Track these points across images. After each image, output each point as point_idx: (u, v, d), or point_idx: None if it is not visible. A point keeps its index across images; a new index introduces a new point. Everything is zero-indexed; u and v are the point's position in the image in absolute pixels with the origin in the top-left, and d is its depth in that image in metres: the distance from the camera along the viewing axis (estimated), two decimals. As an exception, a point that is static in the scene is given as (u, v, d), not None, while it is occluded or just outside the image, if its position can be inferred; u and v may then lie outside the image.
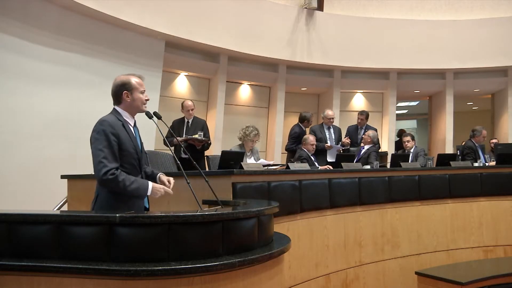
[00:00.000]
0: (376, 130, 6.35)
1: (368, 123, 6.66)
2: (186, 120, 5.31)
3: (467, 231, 4.42)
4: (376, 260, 3.83)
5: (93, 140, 2.31)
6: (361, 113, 6.62)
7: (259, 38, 7.57)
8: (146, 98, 2.49)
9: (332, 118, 6.17)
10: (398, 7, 8.66)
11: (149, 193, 2.38)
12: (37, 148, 5.17)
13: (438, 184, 4.33)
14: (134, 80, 2.47)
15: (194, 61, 7.38)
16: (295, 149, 5.91)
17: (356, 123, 6.67)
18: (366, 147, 5.71)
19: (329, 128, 6.19)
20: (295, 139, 6.17)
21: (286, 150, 6.52)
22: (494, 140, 8.17)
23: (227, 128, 7.59)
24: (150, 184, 2.40)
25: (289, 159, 5.83)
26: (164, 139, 2.68)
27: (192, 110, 5.29)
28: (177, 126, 5.26)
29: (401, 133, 8.92)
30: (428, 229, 4.22)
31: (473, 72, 8.78)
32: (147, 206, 2.56)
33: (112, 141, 2.30)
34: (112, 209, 2.33)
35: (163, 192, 2.42)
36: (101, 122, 2.34)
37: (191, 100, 5.50)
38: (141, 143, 2.55)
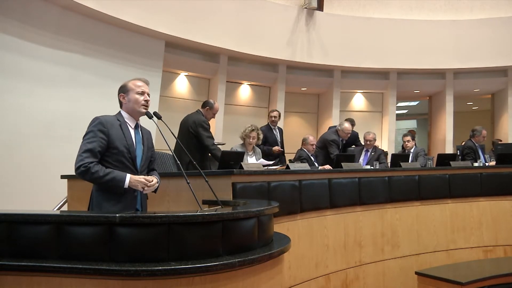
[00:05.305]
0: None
1: (368, 123, 6.62)
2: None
3: (467, 231, 4.42)
4: (376, 260, 3.82)
5: (84, 136, 2.37)
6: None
7: (259, 38, 7.57)
8: (145, 99, 2.48)
9: (349, 133, 5.77)
10: (398, 7, 8.66)
11: (126, 183, 2.29)
12: (37, 148, 5.17)
13: (438, 184, 4.33)
14: (131, 82, 2.49)
15: (194, 61, 7.38)
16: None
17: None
18: (370, 148, 5.71)
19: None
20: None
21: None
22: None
23: (227, 128, 7.59)
24: (128, 175, 2.32)
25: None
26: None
27: None
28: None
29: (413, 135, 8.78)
30: (428, 229, 4.22)
31: (473, 72, 8.78)
32: (140, 209, 2.52)
33: (98, 137, 2.32)
34: (101, 209, 2.34)
35: (143, 181, 2.32)
36: (93, 120, 2.40)
37: None
38: (148, 147, 2.53)
